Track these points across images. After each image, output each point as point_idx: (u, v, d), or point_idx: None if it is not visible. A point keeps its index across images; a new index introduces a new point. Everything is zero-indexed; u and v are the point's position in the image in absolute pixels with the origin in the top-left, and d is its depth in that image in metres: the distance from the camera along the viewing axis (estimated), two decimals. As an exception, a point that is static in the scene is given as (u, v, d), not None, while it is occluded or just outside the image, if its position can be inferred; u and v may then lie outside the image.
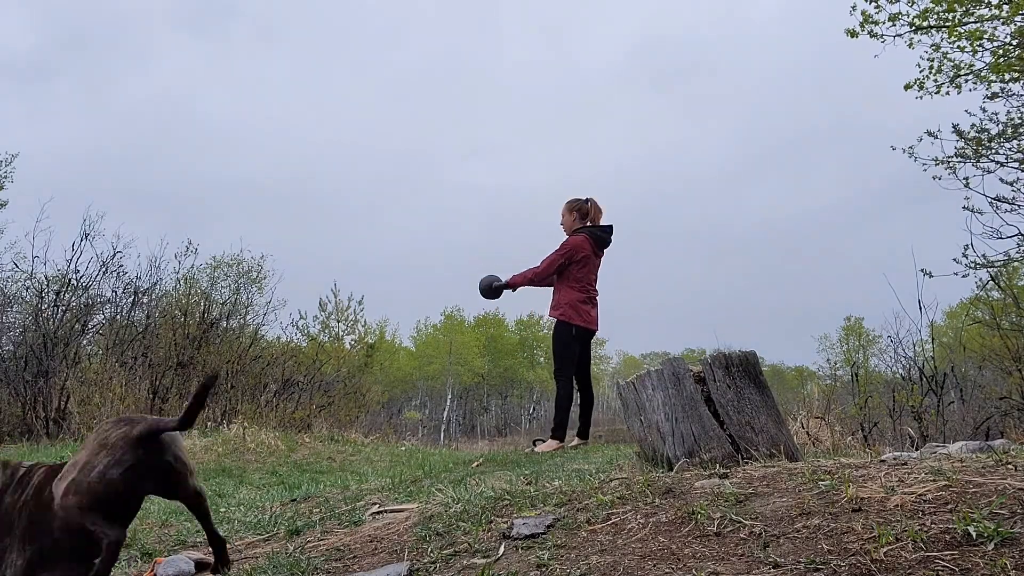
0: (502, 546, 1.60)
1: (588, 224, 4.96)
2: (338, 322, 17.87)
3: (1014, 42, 6.42)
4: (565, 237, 4.99)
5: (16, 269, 10.54)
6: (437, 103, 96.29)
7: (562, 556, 1.48)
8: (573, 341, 4.86)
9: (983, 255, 6.51)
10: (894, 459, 1.95)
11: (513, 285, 5.03)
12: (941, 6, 6.68)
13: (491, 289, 5.06)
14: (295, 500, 3.36)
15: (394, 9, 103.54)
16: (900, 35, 7.02)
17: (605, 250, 5.03)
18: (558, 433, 4.76)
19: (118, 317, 10.31)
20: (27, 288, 10.34)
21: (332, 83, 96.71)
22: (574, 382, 5.03)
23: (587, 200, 5.00)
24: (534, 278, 4.94)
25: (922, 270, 5.33)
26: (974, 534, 1.23)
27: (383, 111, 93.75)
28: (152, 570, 2.04)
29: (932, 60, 7.02)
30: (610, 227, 5.02)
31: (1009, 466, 1.63)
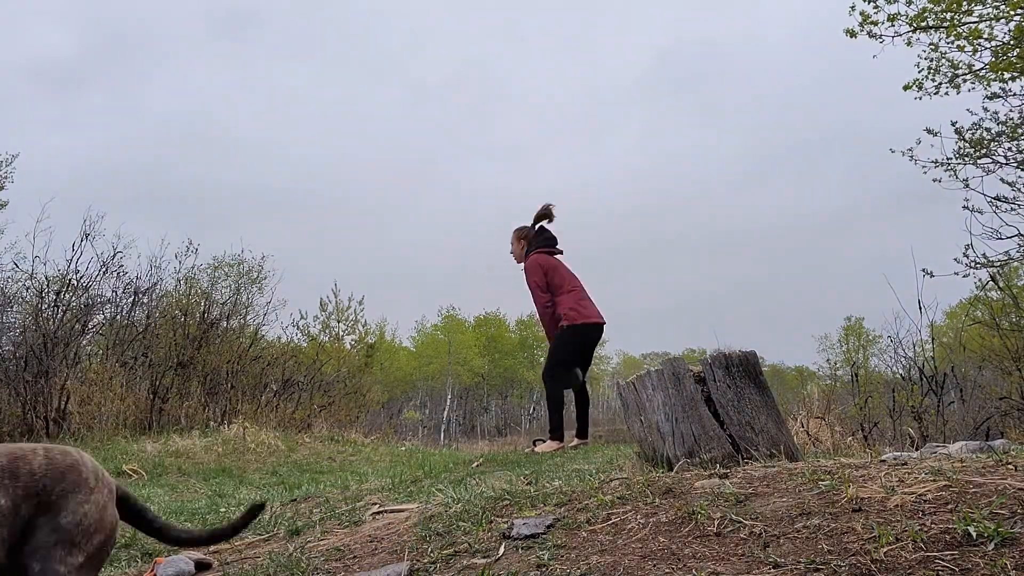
0: (502, 546, 1.60)
1: (534, 238, 5.05)
2: (338, 322, 17.90)
3: (1012, 41, 6.42)
4: (520, 265, 5.09)
5: (16, 269, 10.53)
6: (457, 109, 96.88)
7: (562, 556, 1.48)
8: (576, 345, 4.86)
9: (983, 255, 6.52)
10: (894, 459, 1.95)
11: (559, 331, 4.92)
12: (939, 6, 6.69)
13: (572, 376, 4.90)
14: (295, 500, 3.36)
15: (417, 18, 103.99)
16: (899, 34, 7.03)
17: (559, 247, 5.10)
18: (556, 434, 4.76)
19: (118, 317, 10.30)
20: (27, 288, 10.33)
21: (352, 91, 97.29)
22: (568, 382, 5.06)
23: (531, 225, 5.11)
24: (543, 311, 4.96)
25: (923, 270, 5.33)
26: (974, 534, 1.22)
27: (402, 118, 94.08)
28: (152, 570, 2.04)
29: (931, 60, 7.03)
30: (542, 227, 5.10)
31: (1009, 466, 1.63)
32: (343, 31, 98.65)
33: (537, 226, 5.11)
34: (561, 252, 5.10)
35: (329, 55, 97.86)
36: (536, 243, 5.03)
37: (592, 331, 4.91)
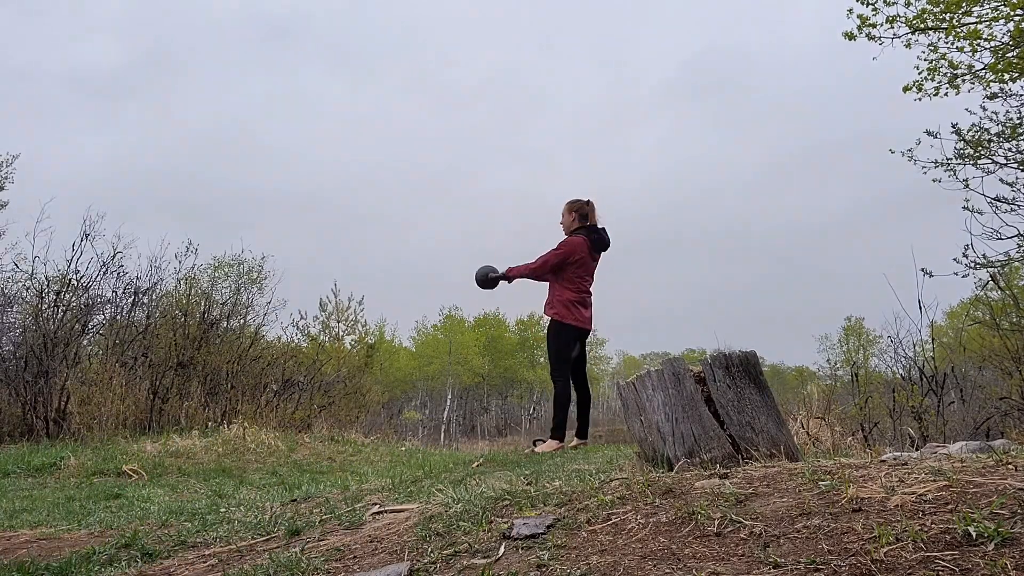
0: (502, 546, 1.60)
1: (587, 225, 4.97)
2: (338, 322, 17.87)
3: (1012, 41, 6.42)
4: (563, 237, 5.01)
5: (17, 269, 10.53)
6: (483, 116, 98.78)
7: (562, 556, 1.48)
8: (569, 340, 4.87)
9: (983, 255, 6.52)
10: (894, 459, 1.95)
11: (509, 277, 5.06)
12: (938, 7, 6.69)
13: (487, 280, 5.10)
14: (295, 500, 3.36)
15: (449, 29, 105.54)
16: (898, 36, 7.03)
17: (602, 252, 5.04)
18: (558, 433, 4.77)
19: (118, 317, 10.30)
20: (27, 288, 10.33)
21: (383, 100, 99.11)
22: (572, 382, 5.05)
23: (587, 201, 5.01)
24: (529, 274, 4.99)
25: (922, 270, 5.32)
26: (974, 534, 1.23)
27: (430, 125, 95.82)
28: None
29: (930, 62, 7.03)
30: (604, 230, 5.04)
31: (1009, 466, 1.63)
32: (377, 42, 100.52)
33: (597, 225, 5.02)
34: (599, 254, 5.05)
35: (362, 65, 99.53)
36: (587, 231, 4.95)
37: (578, 334, 4.93)
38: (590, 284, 5.00)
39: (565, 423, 4.84)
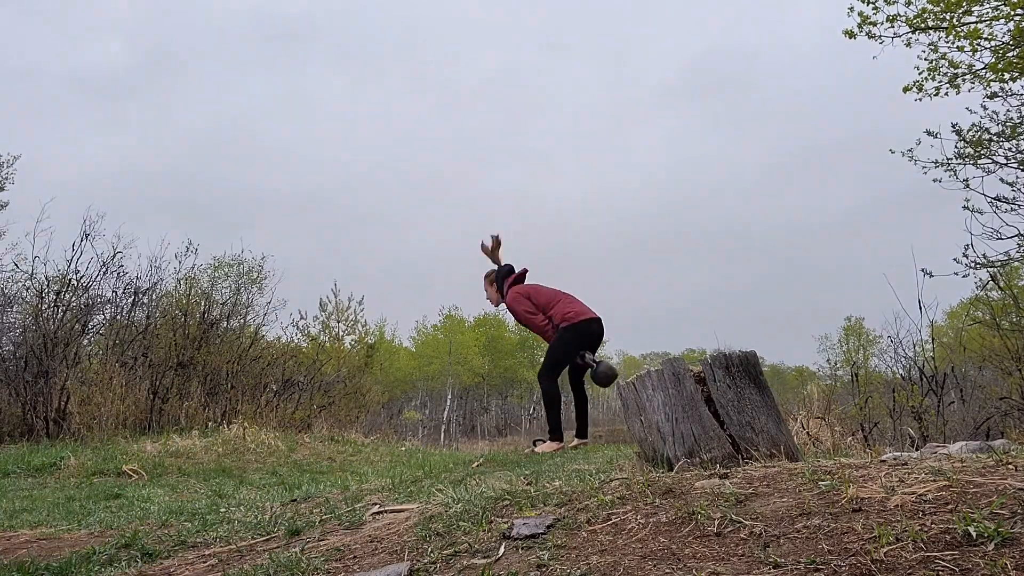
0: (502, 546, 1.60)
1: (502, 276, 5.24)
2: (338, 322, 17.87)
3: (1012, 41, 6.42)
4: (498, 307, 5.41)
5: (17, 269, 10.53)
6: (485, 116, 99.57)
7: (562, 556, 1.48)
8: (573, 345, 4.84)
9: (983, 255, 6.52)
10: (894, 459, 1.95)
11: (582, 357, 4.86)
12: (938, 6, 6.69)
13: (608, 373, 4.74)
14: (295, 500, 3.36)
15: (452, 30, 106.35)
16: (899, 35, 7.03)
17: (522, 268, 5.28)
18: (555, 434, 4.77)
19: (118, 317, 10.30)
20: (27, 288, 10.33)
21: (385, 100, 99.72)
22: (569, 383, 5.08)
23: (490, 271, 5.32)
24: (548, 332, 4.99)
25: (922, 270, 5.32)
26: (974, 534, 1.23)
27: (432, 126, 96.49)
28: None
29: (931, 61, 7.03)
30: (509, 267, 5.29)
31: (1009, 466, 1.63)
32: (377, 42, 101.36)
33: (501, 265, 5.30)
34: (526, 271, 5.24)
35: (362, 65, 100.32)
36: (502, 280, 5.21)
37: (592, 325, 4.90)
38: (562, 292, 5.12)
39: (560, 423, 4.84)
